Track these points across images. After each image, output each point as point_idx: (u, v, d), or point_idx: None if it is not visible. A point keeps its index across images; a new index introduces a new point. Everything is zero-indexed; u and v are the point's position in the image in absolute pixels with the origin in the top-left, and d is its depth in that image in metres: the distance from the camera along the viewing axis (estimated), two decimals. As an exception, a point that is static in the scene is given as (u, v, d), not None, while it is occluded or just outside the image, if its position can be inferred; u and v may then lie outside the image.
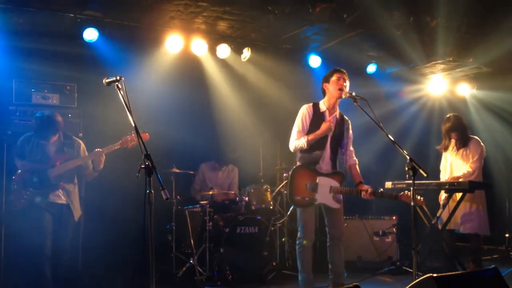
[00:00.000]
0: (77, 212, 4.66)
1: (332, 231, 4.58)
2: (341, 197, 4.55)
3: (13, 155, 4.71)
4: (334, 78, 4.53)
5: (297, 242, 4.53)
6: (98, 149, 4.54)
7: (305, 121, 4.54)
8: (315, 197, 4.42)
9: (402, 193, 4.40)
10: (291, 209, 5.67)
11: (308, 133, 4.50)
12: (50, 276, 4.48)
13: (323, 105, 4.58)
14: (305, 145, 4.47)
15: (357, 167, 4.64)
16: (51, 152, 4.55)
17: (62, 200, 4.54)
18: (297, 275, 4.61)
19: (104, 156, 4.55)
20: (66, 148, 4.59)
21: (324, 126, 4.46)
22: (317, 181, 4.44)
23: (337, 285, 4.55)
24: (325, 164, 4.52)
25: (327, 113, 4.57)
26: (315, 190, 4.43)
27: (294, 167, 4.54)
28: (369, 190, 4.40)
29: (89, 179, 4.77)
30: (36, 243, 4.41)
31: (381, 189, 4.53)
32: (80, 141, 4.75)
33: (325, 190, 4.44)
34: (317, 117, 4.53)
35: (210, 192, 5.92)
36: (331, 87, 4.54)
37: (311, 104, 4.59)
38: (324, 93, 4.63)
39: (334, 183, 4.47)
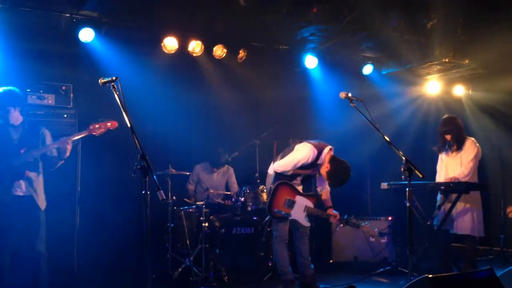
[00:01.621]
0: (42, 202, 4.47)
1: (301, 228, 4.97)
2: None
3: None
4: (326, 178, 4.84)
5: (274, 241, 4.97)
6: (64, 137, 4.41)
7: (305, 163, 4.83)
8: (290, 213, 4.87)
9: (363, 224, 5.00)
10: (267, 218, 5.70)
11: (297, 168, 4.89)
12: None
13: (322, 158, 4.83)
14: (288, 175, 4.92)
15: (329, 193, 5.09)
16: (14, 140, 4.42)
17: (25, 192, 4.39)
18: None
19: (70, 144, 4.38)
20: (29, 136, 4.47)
21: (311, 173, 4.95)
22: (296, 199, 4.89)
23: (306, 276, 4.95)
24: (294, 182, 4.98)
25: (321, 166, 4.86)
26: (291, 207, 4.87)
27: (278, 182, 4.91)
28: (337, 216, 4.92)
29: (54, 168, 4.59)
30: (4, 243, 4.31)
31: (346, 218, 4.98)
32: (46, 130, 4.60)
33: (300, 209, 4.90)
34: (312, 164, 4.86)
35: (206, 193, 5.93)
36: (323, 173, 4.82)
37: (316, 152, 4.82)
38: (327, 163, 4.80)
39: (310, 204, 4.93)
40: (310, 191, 5.20)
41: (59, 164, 4.55)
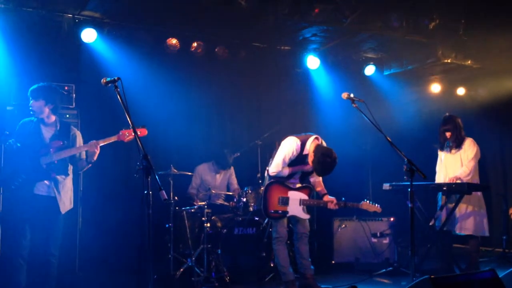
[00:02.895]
0: (65, 205, 4.37)
1: (300, 230, 4.97)
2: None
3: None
4: (312, 168, 4.77)
5: (273, 241, 4.94)
6: (94, 140, 4.34)
7: (292, 157, 4.81)
8: (287, 210, 4.87)
9: (362, 202, 4.88)
10: (266, 220, 5.69)
11: (289, 165, 4.85)
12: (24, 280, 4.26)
13: (307, 148, 4.79)
14: (285, 175, 4.87)
15: (321, 183, 5.06)
16: (46, 139, 4.35)
17: (47, 192, 4.29)
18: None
19: (98, 149, 4.30)
20: (61, 136, 4.38)
21: (305, 167, 4.86)
22: (288, 195, 4.88)
23: (306, 277, 4.95)
24: (292, 181, 4.97)
25: (308, 156, 4.81)
26: (287, 204, 4.87)
27: (268, 182, 4.91)
28: (334, 200, 4.86)
29: (81, 171, 4.54)
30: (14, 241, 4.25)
31: (344, 200, 4.91)
32: (77, 131, 4.53)
33: (296, 203, 4.88)
34: (300, 156, 4.82)
35: (208, 193, 5.93)
36: (310, 163, 4.73)
37: (299, 143, 4.79)
38: (312, 152, 4.72)
39: (304, 196, 4.91)
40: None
41: (87, 167, 4.48)
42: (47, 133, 4.39)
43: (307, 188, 4.96)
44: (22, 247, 4.22)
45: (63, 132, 4.43)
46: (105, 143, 4.32)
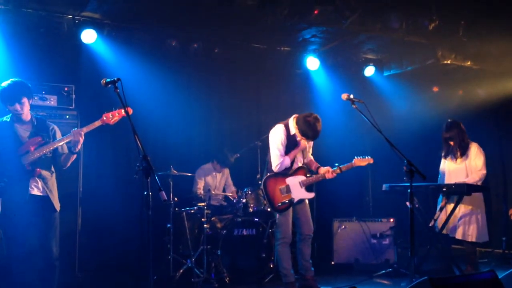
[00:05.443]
0: (57, 203, 4.26)
1: (305, 231, 5.03)
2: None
3: None
4: (304, 138, 4.86)
5: (277, 242, 4.97)
6: (76, 129, 4.17)
7: (284, 142, 4.91)
8: (292, 197, 4.93)
9: (354, 160, 4.98)
10: (271, 220, 5.68)
11: (286, 153, 4.93)
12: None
13: (292, 129, 4.91)
14: (289, 165, 4.94)
15: (313, 159, 5.19)
16: (23, 138, 4.17)
17: (41, 192, 4.16)
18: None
19: (83, 136, 4.12)
20: (40, 133, 4.21)
21: (301, 146, 4.97)
22: (287, 182, 4.95)
23: (307, 278, 5.01)
24: (293, 168, 5.02)
25: (296, 135, 4.92)
26: (289, 191, 4.94)
27: (263, 179, 4.99)
28: (330, 169, 4.93)
29: (65, 167, 4.33)
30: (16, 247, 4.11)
31: (337, 165, 4.97)
32: (55, 126, 4.37)
33: (297, 187, 4.97)
34: (290, 139, 4.93)
35: (209, 194, 5.93)
36: (299, 135, 4.85)
37: (284, 128, 4.92)
38: (295, 124, 4.84)
39: (301, 178, 4.99)
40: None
41: (71, 160, 4.30)
42: (24, 132, 4.21)
43: (301, 169, 5.04)
44: (24, 252, 4.12)
45: (40, 128, 4.26)
46: (89, 129, 4.17)
